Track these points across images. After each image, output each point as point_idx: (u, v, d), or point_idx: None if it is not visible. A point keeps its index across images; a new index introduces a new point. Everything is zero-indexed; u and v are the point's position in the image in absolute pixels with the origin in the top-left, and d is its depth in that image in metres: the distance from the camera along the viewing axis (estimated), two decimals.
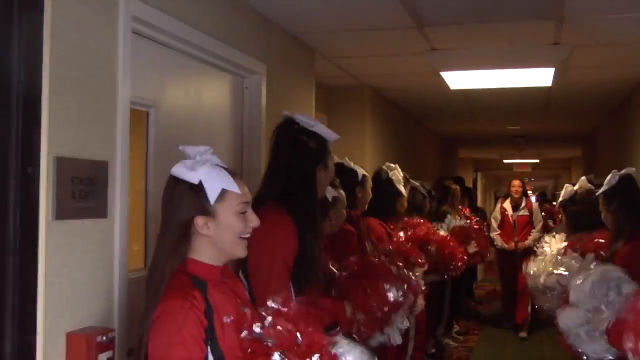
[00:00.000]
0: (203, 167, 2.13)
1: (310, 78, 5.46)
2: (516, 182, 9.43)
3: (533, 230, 9.04)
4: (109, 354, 2.41)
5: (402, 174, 5.35)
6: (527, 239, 8.94)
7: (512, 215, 9.14)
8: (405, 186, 5.52)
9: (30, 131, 2.09)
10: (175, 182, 2.14)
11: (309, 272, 2.84)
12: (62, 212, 2.32)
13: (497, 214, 9.41)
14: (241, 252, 2.18)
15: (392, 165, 5.35)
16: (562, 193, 4.98)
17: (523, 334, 8.68)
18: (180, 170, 2.12)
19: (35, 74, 2.10)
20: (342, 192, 4.12)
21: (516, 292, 8.83)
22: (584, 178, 4.62)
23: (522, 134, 12.97)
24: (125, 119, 2.77)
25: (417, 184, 6.38)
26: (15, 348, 2.10)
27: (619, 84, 7.51)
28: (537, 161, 20.19)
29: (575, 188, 4.75)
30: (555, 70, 6.12)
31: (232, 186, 2.13)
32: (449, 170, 14.19)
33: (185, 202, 2.11)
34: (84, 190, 2.46)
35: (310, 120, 2.99)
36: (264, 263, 2.65)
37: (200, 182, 2.11)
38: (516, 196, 9.26)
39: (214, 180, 2.12)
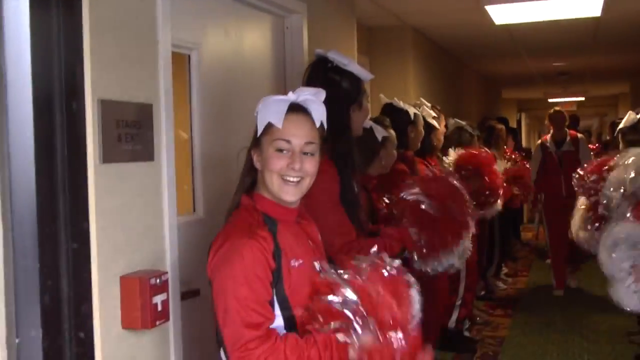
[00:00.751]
0: (268, 99, 2.10)
1: (351, 17, 5.34)
2: (560, 116, 8.02)
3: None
4: (162, 296, 2.41)
5: (428, 106, 5.25)
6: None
7: (555, 152, 7.86)
8: (443, 122, 5.48)
9: (73, 69, 2.05)
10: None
11: (351, 215, 2.83)
12: (109, 155, 2.30)
13: (537, 153, 8.09)
14: (286, 196, 2.09)
15: (420, 101, 5.27)
16: (624, 120, 4.84)
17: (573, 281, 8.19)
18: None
19: (75, 14, 2.05)
20: (392, 132, 4.06)
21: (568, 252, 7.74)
22: None
23: (567, 71, 12.67)
24: (167, 62, 2.72)
25: (464, 123, 6.29)
26: (72, 292, 2.11)
27: None
28: (582, 99, 19.78)
29: (639, 116, 4.60)
30: None
31: (277, 120, 2.06)
32: (492, 110, 13.97)
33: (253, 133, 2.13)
34: (130, 133, 2.43)
35: (344, 58, 2.93)
36: (320, 207, 2.61)
37: (257, 113, 2.08)
38: (560, 131, 7.94)
39: (265, 113, 2.07)
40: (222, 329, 1.96)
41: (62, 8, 2.03)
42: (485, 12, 6.31)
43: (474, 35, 8.29)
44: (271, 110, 2.07)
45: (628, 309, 3.31)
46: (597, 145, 12.51)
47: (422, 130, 4.68)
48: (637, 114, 4.71)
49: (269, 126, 2.07)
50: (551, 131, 8.00)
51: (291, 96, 2.12)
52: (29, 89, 1.92)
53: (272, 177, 2.07)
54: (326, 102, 2.81)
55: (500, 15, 6.47)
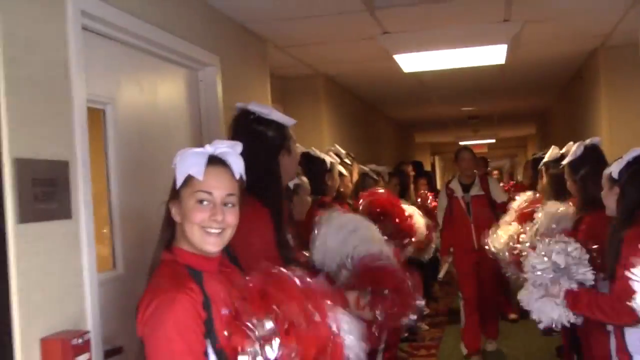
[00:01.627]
0: (186, 152, 2.09)
1: (264, 68, 5.43)
2: (466, 154, 7.00)
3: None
4: (85, 356, 2.36)
5: (342, 153, 5.38)
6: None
7: (462, 197, 6.88)
8: (356, 168, 5.63)
9: None
10: None
11: (288, 258, 2.84)
12: (25, 215, 2.26)
13: (442, 200, 7.08)
14: (208, 247, 2.08)
15: (334, 148, 5.42)
16: (548, 154, 4.98)
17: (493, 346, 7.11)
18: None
19: None
20: (305, 179, 4.12)
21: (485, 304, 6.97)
22: (571, 143, 4.40)
23: (476, 115, 13.10)
24: (82, 117, 2.71)
25: (367, 169, 6.41)
26: None
27: (569, 57, 7.61)
28: (493, 141, 20.43)
29: (562, 151, 4.65)
30: (508, 47, 6.18)
31: (197, 172, 2.05)
32: (407, 154, 14.27)
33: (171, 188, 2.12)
34: (46, 192, 2.39)
35: (265, 108, 2.96)
36: (253, 254, 2.62)
37: (175, 165, 2.08)
38: (467, 173, 6.95)
39: (184, 165, 2.07)
40: None
41: None
42: (394, 61, 6.49)
43: (385, 83, 8.50)
44: (190, 163, 2.07)
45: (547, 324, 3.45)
46: (510, 183, 12.87)
47: (337, 178, 4.77)
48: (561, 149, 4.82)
49: (189, 178, 2.06)
50: (457, 173, 7.13)
51: (209, 149, 2.13)
52: None
53: (193, 229, 2.06)
54: (255, 152, 2.85)
55: (408, 63, 6.68)
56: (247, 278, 2.05)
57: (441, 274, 7.17)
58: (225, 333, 1.95)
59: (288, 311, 1.95)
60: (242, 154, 2.85)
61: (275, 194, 2.88)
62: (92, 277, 2.64)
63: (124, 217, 3.22)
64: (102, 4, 2.98)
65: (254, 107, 2.96)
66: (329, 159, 4.68)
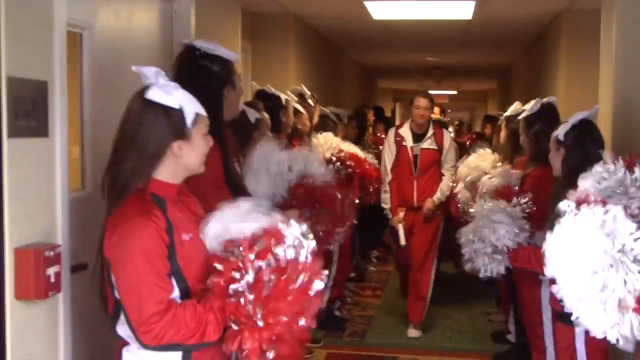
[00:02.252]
0: (178, 91, 2.22)
1: (237, 4, 5.50)
2: (422, 101, 6.01)
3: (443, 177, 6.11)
4: (56, 268, 2.50)
5: (307, 94, 5.53)
6: (431, 189, 6.07)
7: (411, 148, 6.10)
8: (317, 110, 5.84)
9: None
10: (147, 105, 2.19)
11: (236, 187, 3.01)
12: (11, 130, 2.37)
13: (389, 146, 6.22)
14: (202, 168, 2.32)
15: (300, 87, 5.57)
16: (511, 109, 5.15)
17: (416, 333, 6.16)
18: (157, 94, 2.18)
19: None
20: (265, 114, 4.24)
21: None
22: (533, 100, 4.44)
23: (440, 65, 13.26)
24: (62, 40, 2.79)
25: (327, 110, 6.53)
26: None
27: (534, 18, 7.79)
28: (455, 92, 20.66)
29: (524, 107, 4.69)
30: (475, 3, 6.31)
31: (201, 109, 2.26)
32: (369, 99, 14.41)
33: (161, 125, 2.18)
34: (26, 110, 2.50)
35: (210, 44, 3.08)
36: (203, 182, 2.77)
37: (180, 106, 2.20)
38: (420, 121, 6.06)
39: (189, 104, 2.22)
40: (125, 306, 2.10)
41: None
42: (365, 7, 6.59)
43: (353, 27, 8.59)
44: (192, 102, 2.25)
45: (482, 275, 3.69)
46: (470, 135, 13.07)
47: (292, 115, 4.91)
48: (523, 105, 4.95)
49: (197, 116, 2.25)
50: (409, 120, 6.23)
51: (177, 88, 2.26)
52: None
53: (200, 159, 2.29)
54: (200, 86, 2.98)
55: (378, 11, 6.79)
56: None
57: (403, 241, 6.04)
58: (218, 267, 2.08)
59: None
60: (188, 87, 2.99)
61: (219, 126, 3.02)
62: (64, 194, 2.76)
63: (94, 140, 3.33)
64: None
65: (199, 43, 3.08)
66: (284, 96, 4.81)
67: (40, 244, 2.51)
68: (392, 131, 6.37)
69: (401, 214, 6.08)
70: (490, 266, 3.64)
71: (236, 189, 3.05)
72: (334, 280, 6.18)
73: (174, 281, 2.14)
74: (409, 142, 6.12)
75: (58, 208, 2.72)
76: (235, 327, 2.05)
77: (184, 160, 2.24)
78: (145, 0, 3.95)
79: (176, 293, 2.14)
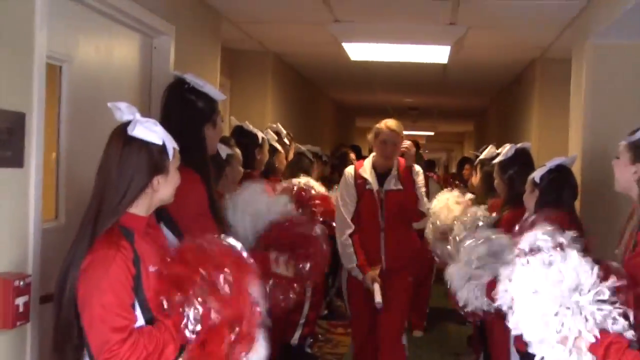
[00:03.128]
0: (157, 127, 2.27)
1: (216, 41, 5.58)
2: (390, 124, 4.85)
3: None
4: (24, 298, 2.52)
5: (283, 133, 5.58)
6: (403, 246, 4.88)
7: (377, 191, 4.80)
8: (293, 148, 5.83)
9: None
10: (129, 142, 2.22)
11: (220, 220, 3.05)
12: None
13: (347, 189, 4.88)
14: (172, 199, 2.39)
15: (276, 126, 5.61)
16: (485, 152, 5.18)
17: None
18: (141, 131, 2.22)
19: None
20: (237, 150, 4.28)
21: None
22: (507, 145, 4.43)
23: (417, 106, 13.42)
24: (42, 72, 2.84)
25: (304, 148, 6.59)
26: None
27: (509, 64, 7.95)
28: (432, 133, 20.85)
29: (498, 150, 4.68)
30: (451, 48, 6.45)
31: (175, 144, 2.32)
32: (346, 138, 14.52)
33: (144, 162, 2.23)
34: (2, 140, 2.53)
35: (200, 80, 3.14)
36: (190, 216, 2.81)
37: (163, 142, 2.25)
38: (385, 155, 4.81)
39: (169, 139, 2.28)
40: (88, 336, 2.13)
41: None
42: (342, 48, 6.70)
43: (332, 67, 8.70)
44: (169, 138, 2.31)
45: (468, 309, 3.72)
46: (445, 175, 13.16)
47: (267, 153, 4.96)
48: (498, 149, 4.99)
49: (173, 152, 2.32)
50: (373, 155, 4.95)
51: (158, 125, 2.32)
52: None
53: (173, 190, 2.36)
54: (184, 120, 3.04)
55: (355, 52, 6.90)
56: (178, 244, 2.29)
57: (378, 298, 4.62)
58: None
59: (210, 275, 2.16)
60: (173, 120, 3.05)
61: (204, 161, 3.08)
62: (37, 225, 2.78)
63: (70, 171, 3.36)
64: None
65: (189, 78, 3.14)
66: (260, 134, 4.86)
67: (10, 274, 2.53)
68: (349, 172, 4.95)
69: (376, 271, 4.73)
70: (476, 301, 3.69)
71: (220, 221, 3.09)
72: (306, 318, 6.19)
73: (139, 311, 2.17)
74: (373, 184, 4.83)
75: (30, 238, 2.74)
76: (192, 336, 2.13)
77: (159, 193, 2.30)
78: (125, 35, 4.01)
79: (141, 322, 2.18)
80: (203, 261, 2.18)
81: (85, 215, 2.26)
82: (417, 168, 4.99)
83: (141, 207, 2.28)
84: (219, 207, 3.14)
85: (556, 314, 2.18)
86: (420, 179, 4.92)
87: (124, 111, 2.27)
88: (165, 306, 2.15)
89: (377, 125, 4.91)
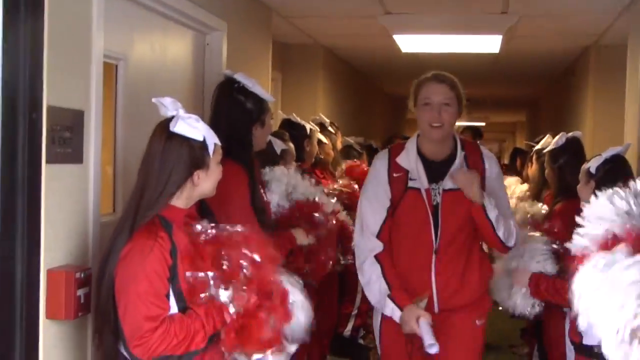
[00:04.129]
0: (199, 123, 2.34)
1: (268, 36, 5.62)
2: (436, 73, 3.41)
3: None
4: (85, 289, 2.59)
5: (326, 122, 5.60)
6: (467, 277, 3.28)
7: (426, 190, 3.17)
8: (340, 138, 5.86)
9: (34, 80, 2.26)
10: (171, 137, 2.30)
11: (262, 214, 3.11)
12: (48, 157, 2.48)
13: (377, 186, 3.26)
14: (214, 192, 2.46)
15: (319, 117, 5.65)
16: (541, 142, 4.93)
17: None
18: (183, 127, 2.30)
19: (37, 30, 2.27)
20: (291, 145, 4.34)
21: None
22: (562, 133, 4.25)
23: (469, 97, 13.26)
24: (99, 71, 2.92)
25: (352, 141, 6.61)
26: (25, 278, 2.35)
27: (562, 53, 7.84)
28: (483, 124, 20.63)
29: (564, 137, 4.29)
30: (503, 38, 6.39)
31: (217, 139, 2.39)
32: (398, 129, 14.48)
33: (185, 158, 2.31)
34: (63, 137, 2.61)
35: (249, 80, 3.21)
36: (232, 211, 2.87)
37: (204, 138, 2.32)
38: (436, 135, 3.25)
39: (210, 136, 2.35)
40: (122, 322, 2.23)
41: (29, 21, 2.25)
42: (393, 40, 6.69)
43: (382, 59, 8.69)
44: (211, 134, 2.38)
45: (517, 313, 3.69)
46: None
47: (316, 145, 4.99)
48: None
49: (215, 147, 2.38)
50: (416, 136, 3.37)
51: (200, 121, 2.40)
52: None
53: (215, 184, 2.42)
54: (233, 118, 3.11)
55: (407, 44, 6.88)
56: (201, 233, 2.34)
57: (430, 340, 2.96)
58: (188, 274, 2.25)
59: (233, 257, 2.24)
60: (222, 119, 3.12)
61: (249, 158, 3.14)
62: (95, 218, 2.87)
63: (127, 166, 3.44)
64: None
65: (239, 77, 3.20)
66: (309, 125, 4.90)
67: (71, 266, 2.61)
68: (381, 159, 3.34)
69: (422, 302, 3.07)
70: (523, 304, 3.65)
71: (262, 216, 3.14)
72: (358, 309, 6.21)
73: (173, 300, 2.26)
74: (420, 180, 3.21)
75: (90, 231, 2.82)
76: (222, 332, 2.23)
77: (200, 187, 2.37)
78: (178, 33, 4.08)
79: (175, 311, 2.26)
80: (225, 245, 2.27)
81: (127, 206, 2.36)
82: (488, 153, 3.41)
83: (182, 200, 2.36)
84: (260, 200, 3.20)
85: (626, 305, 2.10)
86: (496, 171, 3.34)
87: (168, 107, 2.35)
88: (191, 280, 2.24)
89: (416, 80, 3.43)
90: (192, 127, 2.31)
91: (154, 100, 2.42)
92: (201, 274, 2.23)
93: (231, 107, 3.16)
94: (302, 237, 3.41)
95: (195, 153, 2.33)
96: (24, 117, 2.22)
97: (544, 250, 3.69)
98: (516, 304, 3.69)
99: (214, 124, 3.12)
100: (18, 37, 2.24)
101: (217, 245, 2.27)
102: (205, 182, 2.38)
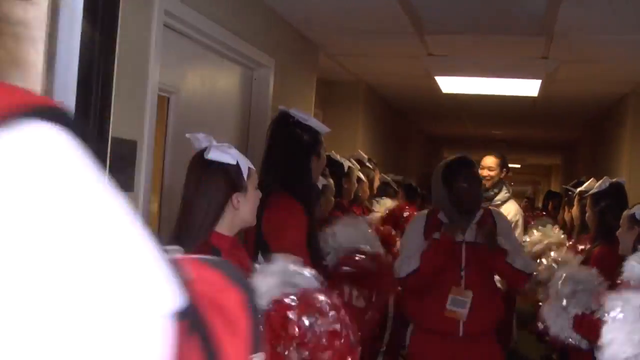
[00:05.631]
0: (232, 149, 2.45)
1: (313, 73, 5.76)
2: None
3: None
4: None
5: (365, 158, 5.67)
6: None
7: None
8: (377, 175, 5.91)
9: (103, 112, 2.41)
10: (207, 165, 2.42)
11: (316, 253, 3.17)
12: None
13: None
14: (255, 220, 2.55)
15: (357, 153, 5.73)
16: (585, 184, 4.97)
17: None
18: (216, 154, 2.42)
19: (108, 64, 2.40)
20: (331, 181, 4.42)
21: None
22: (605, 177, 4.37)
23: (505, 139, 13.34)
24: (154, 103, 3.05)
25: (389, 178, 6.67)
26: None
27: (599, 98, 7.88)
28: (519, 166, 20.57)
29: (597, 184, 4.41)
30: (542, 82, 6.46)
31: (251, 164, 2.50)
32: (433, 167, 14.49)
33: (222, 182, 2.41)
34: (117, 166, 2.73)
35: (304, 114, 3.30)
36: (286, 247, 2.95)
37: (237, 162, 2.43)
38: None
39: (243, 160, 2.45)
40: None
41: (102, 52, 2.41)
42: (434, 81, 6.79)
43: (422, 99, 8.79)
44: (243, 158, 2.48)
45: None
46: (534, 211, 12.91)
47: (355, 182, 5.07)
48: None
49: (249, 170, 2.47)
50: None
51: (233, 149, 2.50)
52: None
53: (253, 210, 2.50)
54: (291, 152, 3.20)
55: (447, 85, 6.98)
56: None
57: None
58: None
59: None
60: (279, 153, 3.21)
61: (309, 193, 3.21)
62: None
63: (173, 195, 3.55)
64: (181, 5, 3.33)
65: (294, 112, 3.30)
66: (347, 163, 4.99)
67: None
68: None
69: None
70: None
71: (316, 255, 3.20)
72: (387, 345, 6.24)
73: None
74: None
75: None
76: None
77: (241, 212, 2.46)
78: (228, 68, 4.22)
79: None
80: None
81: (171, 237, 2.43)
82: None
83: (225, 227, 2.44)
84: (317, 238, 3.26)
85: None
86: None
87: (202, 140, 2.47)
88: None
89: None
90: (225, 152, 2.42)
91: (187, 135, 2.55)
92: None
93: (288, 140, 3.24)
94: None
95: (231, 176, 2.43)
96: (91, 148, 2.34)
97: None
98: (560, 329, 3.62)
99: (270, 159, 3.23)
100: (92, 70, 2.36)
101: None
102: (245, 206, 2.46)
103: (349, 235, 3.57)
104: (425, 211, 4.08)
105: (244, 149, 4.45)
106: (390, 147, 9.77)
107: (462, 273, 3.70)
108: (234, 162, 2.44)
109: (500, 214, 4.16)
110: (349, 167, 4.98)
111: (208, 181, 2.42)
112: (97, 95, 2.37)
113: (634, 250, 3.44)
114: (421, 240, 3.75)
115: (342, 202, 4.85)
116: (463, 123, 11.23)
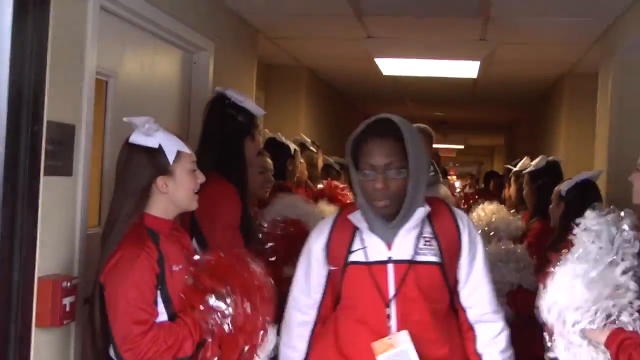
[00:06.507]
0: (158, 132, 2.47)
1: (253, 56, 5.76)
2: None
3: None
4: (71, 298, 2.68)
5: (308, 142, 5.70)
6: None
7: None
8: (321, 157, 5.98)
9: (37, 94, 2.39)
10: (132, 149, 2.46)
11: (250, 232, 3.20)
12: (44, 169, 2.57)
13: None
14: (194, 205, 2.56)
15: (300, 137, 5.76)
16: (519, 164, 4.99)
17: None
18: (138, 137, 2.45)
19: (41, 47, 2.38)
20: (269, 160, 4.44)
21: None
22: (542, 156, 4.52)
23: (447, 120, 13.52)
24: (91, 87, 3.01)
25: (331, 160, 6.72)
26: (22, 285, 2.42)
27: (537, 79, 8.04)
28: (462, 147, 20.87)
29: (532, 163, 4.57)
30: (480, 64, 6.56)
31: (184, 147, 2.51)
32: None
33: (144, 165, 2.44)
34: (55, 150, 2.70)
35: (240, 95, 3.31)
36: (219, 228, 2.97)
37: (160, 145, 2.44)
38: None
39: (170, 143, 2.46)
40: (112, 327, 2.35)
41: (35, 36, 2.39)
42: (375, 64, 6.84)
43: (363, 81, 8.84)
44: (173, 141, 2.50)
45: None
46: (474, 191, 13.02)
47: (299, 164, 5.11)
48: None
49: (178, 154, 2.48)
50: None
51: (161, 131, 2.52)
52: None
53: (187, 194, 2.51)
54: (224, 133, 3.22)
55: (387, 67, 7.04)
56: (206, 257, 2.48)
57: None
58: (182, 295, 2.39)
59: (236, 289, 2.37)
60: (214, 133, 3.23)
61: (242, 174, 3.24)
62: (82, 230, 2.96)
63: (112, 180, 3.52)
64: None
65: (230, 93, 3.31)
66: (292, 145, 5.01)
67: (58, 275, 2.70)
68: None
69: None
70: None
71: (249, 235, 3.23)
72: None
73: (162, 307, 2.38)
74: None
75: (77, 243, 2.91)
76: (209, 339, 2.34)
77: (171, 196, 2.48)
78: (167, 52, 4.20)
79: (164, 318, 2.39)
80: (232, 279, 2.38)
81: (107, 219, 2.50)
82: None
83: (159, 210, 2.48)
84: (250, 221, 3.29)
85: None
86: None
87: (138, 124, 2.48)
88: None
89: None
90: (148, 136, 2.44)
91: (125, 119, 2.56)
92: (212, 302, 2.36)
93: (223, 122, 3.25)
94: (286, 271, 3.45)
95: (154, 159, 2.45)
96: (26, 130, 2.32)
97: (527, 262, 3.80)
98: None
99: (205, 140, 3.24)
100: (24, 52, 2.34)
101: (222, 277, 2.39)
102: (176, 191, 2.48)
103: (281, 209, 3.66)
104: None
105: (184, 132, 4.44)
106: (332, 130, 9.82)
107: None
108: (156, 146, 2.45)
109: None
110: (294, 150, 5.00)
111: (130, 165, 2.45)
112: (30, 79, 2.34)
113: (561, 225, 3.55)
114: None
115: (286, 185, 4.87)
116: (405, 105, 11.34)
